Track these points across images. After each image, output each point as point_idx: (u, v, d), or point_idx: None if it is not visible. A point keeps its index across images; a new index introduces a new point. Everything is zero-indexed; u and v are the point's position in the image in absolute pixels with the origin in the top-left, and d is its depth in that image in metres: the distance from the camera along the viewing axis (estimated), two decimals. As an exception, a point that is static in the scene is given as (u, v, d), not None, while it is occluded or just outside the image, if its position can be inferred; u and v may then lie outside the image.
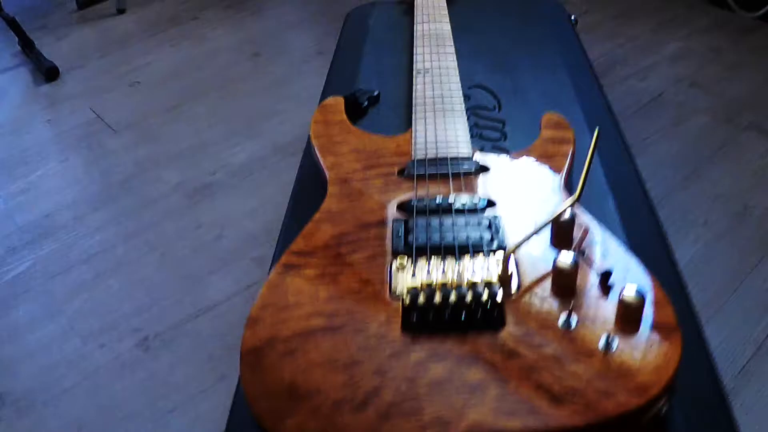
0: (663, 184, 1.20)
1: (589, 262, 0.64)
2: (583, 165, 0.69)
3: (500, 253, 0.65)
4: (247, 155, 1.43)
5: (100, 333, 1.00)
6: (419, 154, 0.82)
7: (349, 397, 0.54)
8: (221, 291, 1.05)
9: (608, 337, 0.56)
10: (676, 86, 1.58)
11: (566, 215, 0.67)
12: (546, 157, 0.81)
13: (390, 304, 0.62)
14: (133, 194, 1.36)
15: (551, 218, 0.64)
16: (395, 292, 0.63)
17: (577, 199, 0.66)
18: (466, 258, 0.65)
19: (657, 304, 0.59)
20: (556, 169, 0.78)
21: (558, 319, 0.58)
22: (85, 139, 1.57)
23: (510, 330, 0.58)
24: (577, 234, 0.68)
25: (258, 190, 1.30)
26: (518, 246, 0.63)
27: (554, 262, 0.62)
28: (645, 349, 0.55)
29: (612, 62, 1.69)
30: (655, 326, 0.57)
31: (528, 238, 0.64)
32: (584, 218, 0.69)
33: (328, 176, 0.81)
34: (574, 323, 0.58)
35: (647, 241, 0.81)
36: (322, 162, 0.84)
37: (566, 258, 0.61)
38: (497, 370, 0.54)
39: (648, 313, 0.58)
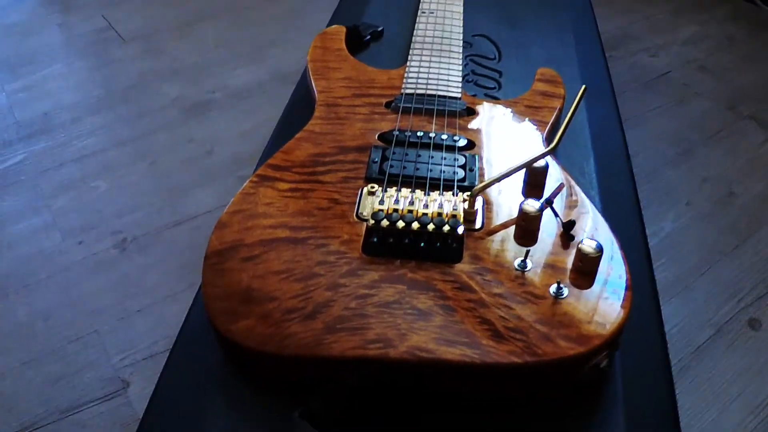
0: (654, 157, 1.21)
1: (556, 213, 0.65)
2: (572, 127, 0.69)
3: (469, 192, 0.66)
4: (248, 79, 1.43)
5: (81, 231, 1.01)
6: (409, 89, 0.82)
7: (300, 307, 0.56)
8: (203, 204, 1.07)
9: (559, 285, 0.57)
10: (684, 67, 1.56)
11: (540, 164, 0.68)
12: (533, 108, 0.81)
13: (355, 225, 0.63)
14: (132, 103, 1.37)
15: (524, 163, 0.65)
16: (362, 215, 0.64)
17: (553, 149, 0.67)
18: (436, 192, 0.66)
19: (614, 262, 0.60)
20: (541, 122, 0.79)
21: (514, 261, 0.60)
22: (94, 45, 1.56)
23: (465, 264, 0.59)
24: (550, 186, 0.69)
25: (253, 114, 1.30)
26: (487, 185, 0.64)
27: (520, 205, 0.63)
28: (593, 303, 0.57)
29: (625, 36, 1.67)
30: (608, 282, 0.59)
31: (498, 179, 0.64)
32: (558, 171, 0.70)
33: (317, 99, 0.81)
34: (529, 266, 0.59)
35: (620, 208, 0.82)
36: (313, 85, 0.84)
37: (532, 204, 0.63)
38: (446, 300, 0.56)
39: (603, 270, 0.59)
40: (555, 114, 0.80)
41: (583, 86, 0.71)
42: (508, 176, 0.65)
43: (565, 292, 0.57)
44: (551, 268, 0.59)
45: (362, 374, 0.54)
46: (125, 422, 0.75)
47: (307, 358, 0.53)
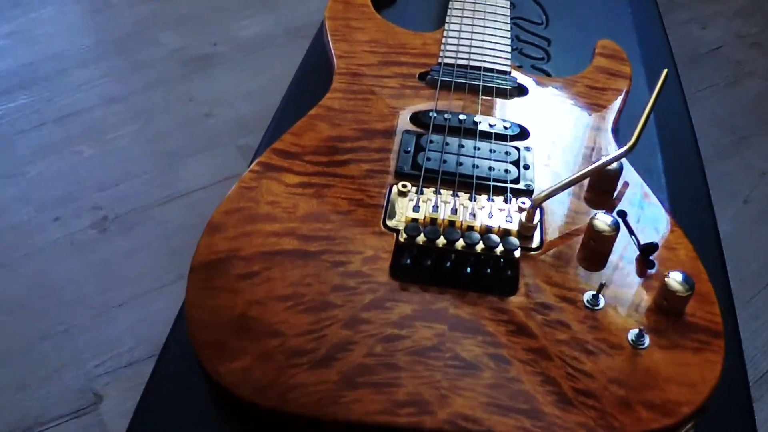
0: (705, 146, 1.06)
1: (631, 231, 0.52)
2: (635, 111, 0.56)
3: (525, 199, 0.53)
4: (257, 30, 1.28)
5: (58, 205, 0.89)
6: (448, 58, 0.68)
7: (310, 349, 0.43)
8: (198, 177, 0.93)
9: (641, 332, 0.44)
10: (736, 42, 1.40)
11: (613, 166, 0.54)
12: (597, 90, 0.67)
13: (382, 236, 0.50)
14: (126, 54, 1.22)
15: (596, 167, 0.52)
16: (391, 223, 0.51)
17: (632, 149, 0.53)
18: (483, 197, 0.53)
19: (702, 300, 0.47)
20: (606, 106, 0.65)
21: (583, 295, 0.47)
22: (89, -14, 1.40)
23: (522, 298, 0.46)
24: (619, 192, 0.55)
25: (260, 71, 1.16)
26: (553, 192, 0.50)
27: (590, 221, 0.50)
28: (681, 355, 0.44)
29: (672, 3, 1.51)
30: (697, 327, 0.46)
31: (564, 186, 0.51)
32: (632, 175, 0.57)
33: (336, 66, 0.67)
34: (601, 303, 0.46)
35: (693, 215, 0.69)
36: (332, 48, 0.70)
37: (605, 219, 0.49)
38: (498, 348, 0.44)
39: (692, 311, 0.47)
40: (622, 98, 0.66)
41: (665, 70, 0.57)
42: (578, 182, 0.52)
43: (647, 340, 0.45)
44: (628, 305, 0.47)
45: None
46: (96, 447, 0.64)
47: (317, 420, 0.41)
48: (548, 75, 0.75)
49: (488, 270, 0.47)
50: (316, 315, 0.45)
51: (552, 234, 0.51)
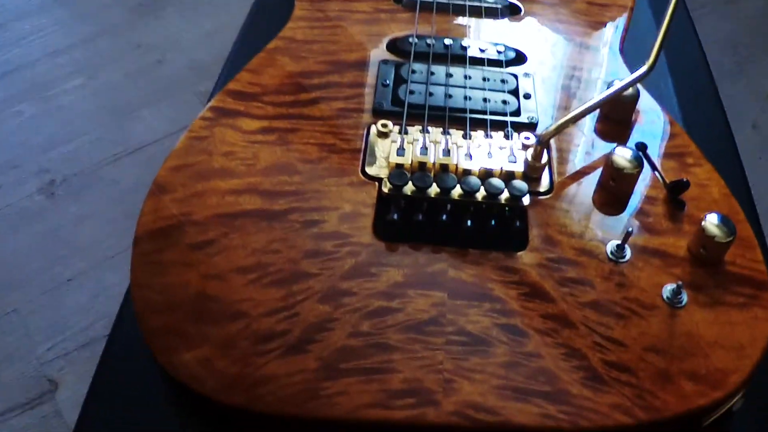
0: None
1: (654, 166, 0.44)
2: (637, 34, 0.47)
3: (529, 134, 0.44)
4: (210, -34, 1.15)
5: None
6: (426, -24, 0.58)
7: (281, 330, 0.35)
8: (152, 129, 0.83)
9: (678, 287, 0.37)
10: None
11: (629, 92, 0.46)
12: (599, 6, 0.58)
13: (361, 186, 0.42)
14: (68, 3, 1.09)
15: (612, 92, 0.43)
16: (371, 170, 0.43)
17: (650, 70, 0.44)
18: (480, 133, 0.45)
19: (743, 245, 0.40)
20: (611, 24, 0.56)
21: (606, 245, 0.39)
22: None
23: (534, 253, 0.39)
24: (636, 121, 0.47)
25: (216, 10, 1.04)
26: (560, 128, 0.42)
27: (608, 157, 0.42)
28: (726, 313, 0.37)
29: None
30: (740, 278, 0.39)
31: (575, 118, 0.43)
32: (648, 101, 0.49)
33: (296, -6, 0.57)
34: (628, 254, 0.39)
35: (711, 141, 0.61)
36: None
37: (626, 153, 0.42)
38: (510, 317, 0.36)
39: (731, 258, 0.39)
40: (627, 15, 0.57)
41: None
42: (590, 111, 0.43)
43: (684, 297, 0.37)
44: (659, 256, 0.39)
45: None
46: (54, 438, 0.57)
47: (295, 419, 0.34)
48: None
49: (492, 222, 0.39)
50: (286, 288, 0.37)
51: (563, 174, 0.43)
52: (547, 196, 0.42)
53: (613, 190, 0.42)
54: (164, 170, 0.43)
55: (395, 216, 0.39)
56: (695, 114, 0.63)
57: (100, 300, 0.65)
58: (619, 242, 0.39)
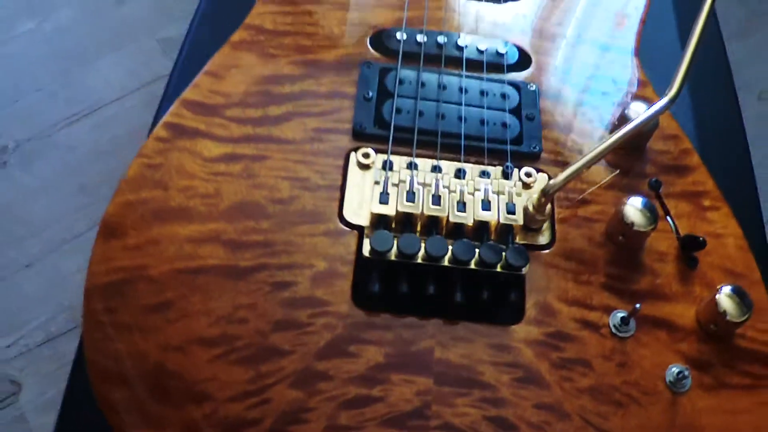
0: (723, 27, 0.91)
1: (667, 211, 0.39)
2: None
3: (531, 170, 0.39)
4: None
5: None
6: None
7: (251, 419, 0.32)
8: (110, 85, 0.75)
9: (681, 373, 0.34)
10: None
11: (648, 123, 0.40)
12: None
13: (339, 237, 0.37)
14: None
15: (629, 131, 0.37)
16: (350, 215, 0.37)
17: (674, 101, 0.39)
18: (475, 168, 0.39)
19: (755, 310, 0.36)
20: (626, 17, 0.49)
21: (610, 316, 0.36)
22: None
23: (531, 326, 0.35)
24: (651, 151, 0.42)
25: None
26: (570, 178, 0.37)
27: (619, 211, 0.37)
28: (730, 398, 0.34)
29: None
30: (749, 355, 0.35)
31: (587, 164, 0.37)
32: (668, 123, 0.43)
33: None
34: (632, 328, 0.35)
35: (724, 143, 0.57)
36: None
37: (640, 208, 0.37)
38: (501, 408, 0.33)
39: (743, 329, 0.36)
40: (643, 9, 0.50)
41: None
42: (606, 153, 0.38)
43: (689, 381, 0.34)
44: (666, 327, 0.36)
45: None
46: (19, 444, 0.54)
47: None
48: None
49: (485, 293, 0.35)
50: (255, 368, 0.33)
51: (565, 222, 0.39)
52: (548, 251, 0.37)
53: (622, 245, 0.38)
54: (114, 206, 0.37)
55: (376, 288, 0.34)
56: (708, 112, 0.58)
57: (59, 290, 0.61)
58: (624, 314, 0.35)
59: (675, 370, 0.34)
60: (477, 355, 0.34)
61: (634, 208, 0.37)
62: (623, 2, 0.50)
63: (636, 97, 0.44)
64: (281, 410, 0.32)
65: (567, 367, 0.34)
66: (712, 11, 0.40)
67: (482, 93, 0.42)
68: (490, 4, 0.48)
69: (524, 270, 0.35)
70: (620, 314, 0.35)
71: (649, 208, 0.37)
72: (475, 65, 0.44)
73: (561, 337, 0.35)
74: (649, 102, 0.41)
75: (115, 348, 0.34)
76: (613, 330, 0.35)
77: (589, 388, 0.34)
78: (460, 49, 0.44)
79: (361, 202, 0.38)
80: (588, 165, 0.37)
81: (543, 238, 0.38)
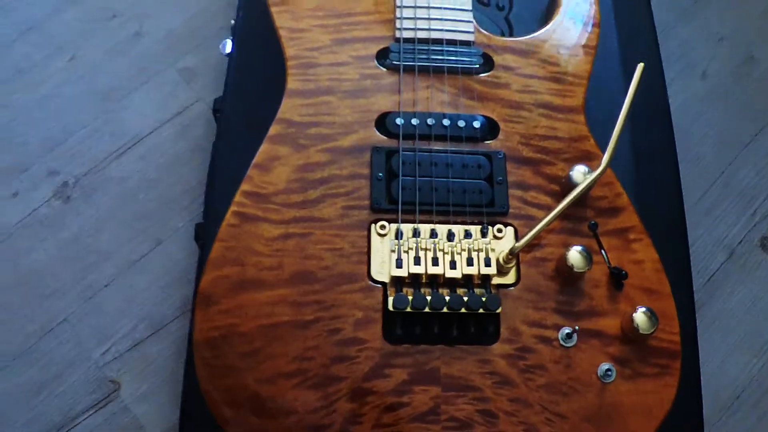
0: (662, 10, 1.01)
1: (601, 246, 0.55)
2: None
3: (501, 227, 0.54)
4: None
5: (10, 175, 0.84)
6: (406, 31, 0.62)
7: (326, 424, 0.49)
8: (145, 118, 0.87)
9: (608, 368, 0.51)
10: None
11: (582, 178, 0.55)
12: (567, 51, 0.63)
13: (370, 292, 0.52)
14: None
15: (572, 200, 0.53)
16: (375, 273, 0.53)
17: (603, 172, 0.53)
18: (461, 229, 0.54)
19: (664, 317, 0.52)
20: (576, 77, 0.62)
21: (559, 331, 0.52)
22: None
23: (504, 345, 0.51)
24: (590, 198, 0.57)
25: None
26: (530, 239, 0.52)
27: (564, 256, 0.52)
28: (642, 384, 0.51)
29: None
30: (658, 351, 0.52)
31: (543, 227, 0.52)
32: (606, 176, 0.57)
33: (285, 53, 0.62)
34: (575, 339, 0.52)
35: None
36: (275, 20, 0.63)
37: (579, 257, 0.52)
38: (486, 403, 0.50)
39: (654, 339, 0.52)
40: (592, 57, 0.64)
41: (641, 64, 0.55)
42: (555, 219, 0.53)
43: (614, 373, 0.51)
44: (598, 337, 0.52)
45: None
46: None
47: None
48: (510, 27, 0.70)
49: (472, 327, 0.51)
50: (323, 390, 0.50)
51: (527, 263, 0.54)
52: (514, 288, 0.53)
53: (567, 278, 0.53)
54: (205, 281, 0.53)
55: (399, 331, 0.51)
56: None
57: (135, 303, 0.76)
58: (569, 330, 0.51)
59: (604, 367, 0.51)
60: (469, 368, 0.50)
61: (574, 253, 0.52)
62: (572, 65, 0.63)
63: (580, 152, 0.59)
64: (344, 417, 0.49)
65: (529, 371, 0.50)
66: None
67: (463, 165, 0.57)
68: (467, 80, 0.61)
69: (498, 310, 0.51)
70: (566, 330, 0.52)
71: (585, 254, 0.52)
72: (457, 138, 0.58)
73: (525, 350, 0.51)
74: (590, 158, 0.56)
75: (222, 383, 0.50)
76: (561, 342, 0.51)
77: (545, 384, 0.50)
78: (445, 128, 0.58)
79: (382, 262, 0.53)
80: (543, 228, 0.52)
81: (510, 278, 0.53)
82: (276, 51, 0.62)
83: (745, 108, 0.94)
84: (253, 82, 0.70)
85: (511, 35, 0.72)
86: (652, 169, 0.70)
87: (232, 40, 0.75)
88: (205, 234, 0.66)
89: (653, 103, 0.73)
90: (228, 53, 0.75)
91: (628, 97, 0.54)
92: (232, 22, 0.78)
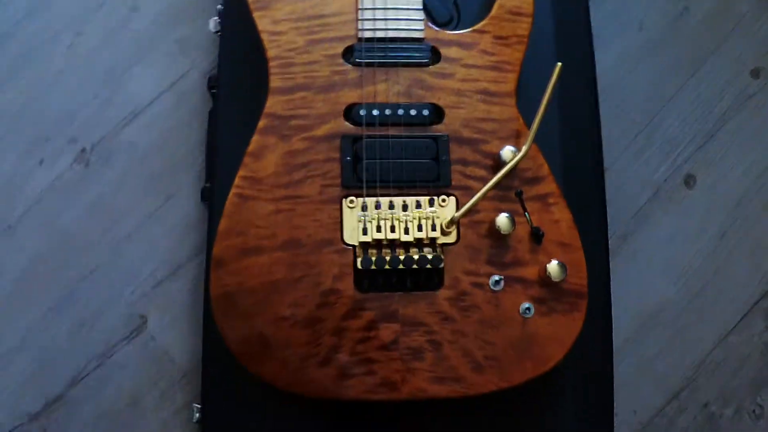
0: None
1: (524, 208, 0.69)
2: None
3: (444, 197, 0.69)
4: None
5: (35, 145, 0.97)
6: (367, 31, 0.74)
7: (313, 353, 0.66)
8: (147, 89, 0.99)
9: (528, 306, 0.67)
10: None
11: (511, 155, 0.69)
12: (502, 41, 0.75)
13: (343, 253, 0.68)
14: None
15: (500, 177, 0.67)
16: (347, 237, 0.68)
17: (526, 154, 0.68)
18: (414, 200, 0.69)
19: (575, 268, 0.68)
20: (508, 63, 0.75)
21: (490, 278, 0.68)
22: None
23: (447, 290, 0.67)
24: (518, 170, 0.70)
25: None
26: (466, 211, 0.67)
27: (494, 221, 0.67)
28: (556, 318, 0.67)
29: None
30: (569, 293, 0.67)
31: (480, 198, 0.67)
32: (532, 152, 0.70)
33: (267, 54, 0.73)
34: (502, 284, 0.68)
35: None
36: (256, 23, 0.74)
37: (507, 222, 0.67)
38: (433, 335, 0.66)
39: (565, 281, 0.67)
40: (524, 48, 0.75)
41: (559, 64, 0.68)
42: (489, 191, 0.67)
43: (532, 310, 0.67)
44: (520, 282, 0.68)
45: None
46: (155, 358, 0.89)
47: (328, 397, 0.66)
48: (458, 11, 0.81)
49: (422, 277, 0.68)
50: (311, 328, 0.66)
51: (465, 225, 0.69)
52: (455, 245, 0.69)
53: (497, 237, 0.68)
54: (217, 249, 0.68)
55: (366, 283, 0.67)
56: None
57: (154, 250, 0.92)
58: (498, 278, 0.67)
59: (525, 305, 0.67)
60: (420, 309, 0.67)
61: (502, 218, 0.67)
62: (506, 54, 0.75)
63: (511, 130, 0.72)
64: (327, 348, 0.66)
65: (467, 310, 0.67)
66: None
67: (415, 148, 0.71)
68: (419, 73, 0.73)
69: (441, 265, 0.67)
70: (496, 277, 0.68)
71: (510, 219, 0.67)
72: (409, 125, 0.71)
73: (463, 293, 0.67)
74: (519, 136, 0.70)
75: (237, 325, 0.67)
76: (491, 287, 0.68)
77: (479, 320, 0.67)
78: (399, 116, 0.71)
79: (352, 230, 0.68)
80: (477, 202, 0.67)
81: (452, 238, 0.69)
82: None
83: (676, 60, 1.06)
84: (243, 66, 0.82)
85: (458, 17, 0.83)
86: (575, 125, 0.84)
87: (219, 22, 0.87)
88: (210, 195, 0.81)
89: (581, 71, 0.86)
90: (216, 31, 0.87)
91: (546, 96, 0.67)
92: (219, 7, 0.89)
